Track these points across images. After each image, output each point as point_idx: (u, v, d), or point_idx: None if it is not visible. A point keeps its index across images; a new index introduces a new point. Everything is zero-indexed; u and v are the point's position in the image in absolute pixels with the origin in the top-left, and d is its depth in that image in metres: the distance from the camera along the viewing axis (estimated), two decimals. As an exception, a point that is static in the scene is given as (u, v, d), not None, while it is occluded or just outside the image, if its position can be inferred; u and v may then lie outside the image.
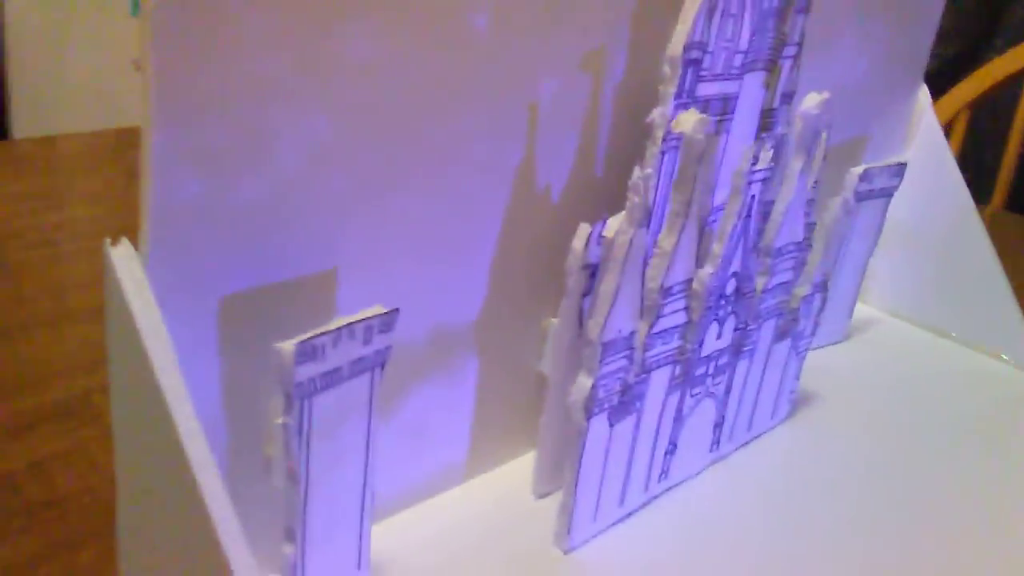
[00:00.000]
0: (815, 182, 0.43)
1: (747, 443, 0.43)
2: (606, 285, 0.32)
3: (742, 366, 0.40)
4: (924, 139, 0.55)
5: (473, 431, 0.37)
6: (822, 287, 0.43)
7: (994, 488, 0.42)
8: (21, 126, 1.86)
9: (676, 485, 0.40)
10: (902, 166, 0.50)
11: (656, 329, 0.34)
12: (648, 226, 0.32)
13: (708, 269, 0.36)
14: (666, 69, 0.33)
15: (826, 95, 0.38)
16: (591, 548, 0.36)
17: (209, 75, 0.23)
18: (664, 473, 0.39)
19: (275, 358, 0.25)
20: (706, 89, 0.35)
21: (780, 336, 0.42)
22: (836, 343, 0.54)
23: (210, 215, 0.25)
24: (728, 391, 0.40)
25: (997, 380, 0.52)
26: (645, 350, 0.34)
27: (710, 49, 0.34)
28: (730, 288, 0.37)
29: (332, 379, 0.27)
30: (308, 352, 0.26)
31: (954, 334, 0.56)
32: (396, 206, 0.30)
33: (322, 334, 0.26)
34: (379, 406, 0.32)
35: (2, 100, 2.00)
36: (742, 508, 0.39)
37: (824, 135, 0.42)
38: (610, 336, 0.32)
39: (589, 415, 0.33)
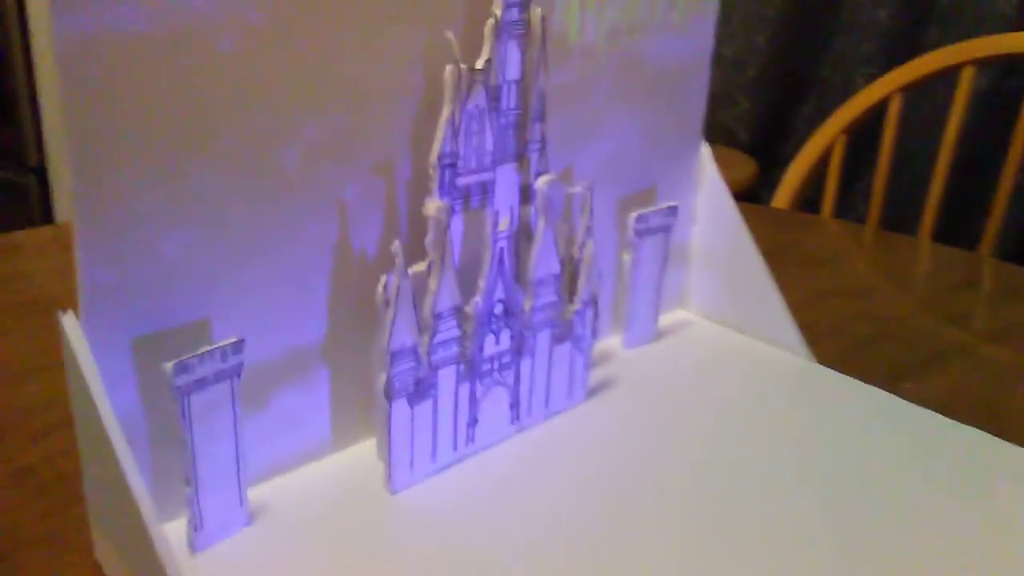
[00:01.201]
0: (587, 228, 0.61)
1: (548, 419, 0.60)
2: (389, 314, 0.49)
3: (526, 363, 0.57)
4: (708, 185, 0.72)
5: (333, 419, 0.55)
6: (591, 303, 0.60)
7: (764, 454, 0.58)
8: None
9: (485, 448, 0.57)
10: (674, 208, 0.67)
11: (435, 341, 0.52)
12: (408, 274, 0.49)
13: (476, 299, 0.53)
14: (431, 171, 0.51)
15: (552, 176, 0.55)
16: (413, 491, 0.53)
17: (110, 213, 0.42)
18: (471, 439, 0.56)
19: (163, 373, 0.43)
20: (464, 180, 0.53)
21: (559, 340, 0.59)
22: (647, 343, 0.71)
23: (119, 290, 0.43)
24: (517, 381, 0.57)
25: (772, 363, 0.69)
26: (429, 355, 0.52)
27: (461, 155, 0.52)
28: (499, 310, 0.55)
29: (201, 384, 0.45)
30: (182, 368, 0.44)
31: (744, 329, 0.72)
32: (252, 276, 0.48)
33: (192, 357, 0.44)
34: (251, 401, 0.50)
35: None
36: (539, 468, 0.56)
37: (588, 196, 0.59)
38: (396, 347, 0.50)
39: (389, 400, 0.50)
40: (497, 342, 0.55)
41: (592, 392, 0.63)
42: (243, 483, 0.48)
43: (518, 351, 0.57)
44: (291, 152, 0.48)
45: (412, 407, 0.52)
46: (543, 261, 0.56)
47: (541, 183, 0.55)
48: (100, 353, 0.43)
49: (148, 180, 0.43)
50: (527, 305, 0.56)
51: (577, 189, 0.60)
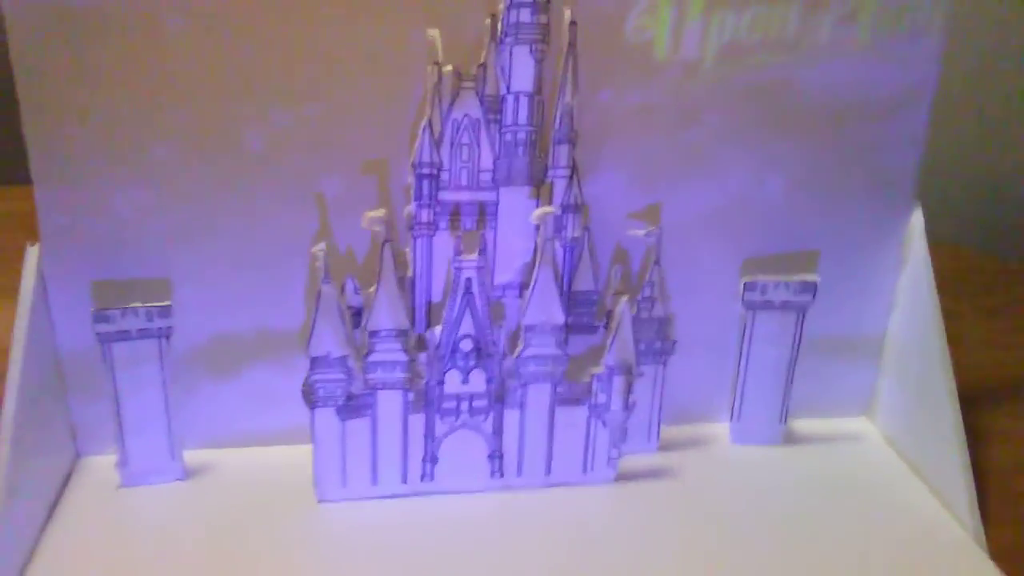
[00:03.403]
0: (650, 282, 0.50)
1: (548, 487, 0.52)
2: (313, 318, 0.47)
3: (512, 414, 0.50)
4: (914, 264, 0.53)
5: (317, 409, 0.54)
6: (620, 370, 0.49)
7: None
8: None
9: (450, 492, 0.51)
10: (811, 284, 0.51)
11: (371, 359, 0.48)
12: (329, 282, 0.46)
13: (438, 328, 0.48)
14: (409, 180, 0.47)
15: (548, 209, 0.46)
16: (343, 506, 0.50)
17: (62, 168, 0.46)
18: (428, 476, 0.51)
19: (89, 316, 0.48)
20: (451, 196, 0.47)
21: (567, 402, 0.50)
22: (765, 444, 0.55)
23: (73, 235, 0.48)
24: (499, 432, 0.50)
25: (916, 531, 0.50)
26: (366, 372, 0.48)
27: (447, 167, 0.47)
28: (467, 346, 0.48)
29: (124, 336, 0.48)
30: (102, 317, 0.47)
31: (917, 469, 0.53)
32: (215, 249, 0.49)
33: (114, 309, 0.47)
34: (220, 368, 0.52)
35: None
36: (502, 535, 0.49)
37: (653, 244, 0.49)
38: (318, 353, 0.47)
39: (311, 405, 0.48)
40: (465, 381, 0.49)
41: (633, 475, 0.52)
42: (175, 437, 0.51)
43: (498, 398, 0.50)
44: (255, 135, 0.47)
45: (343, 420, 0.49)
46: (537, 306, 0.48)
47: (535, 215, 0.47)
48: (58, 287, 0.49)
49: (97, 142, 0.46)
50: (516, 350, 0.49)
51: (639, 232, 0.50)
